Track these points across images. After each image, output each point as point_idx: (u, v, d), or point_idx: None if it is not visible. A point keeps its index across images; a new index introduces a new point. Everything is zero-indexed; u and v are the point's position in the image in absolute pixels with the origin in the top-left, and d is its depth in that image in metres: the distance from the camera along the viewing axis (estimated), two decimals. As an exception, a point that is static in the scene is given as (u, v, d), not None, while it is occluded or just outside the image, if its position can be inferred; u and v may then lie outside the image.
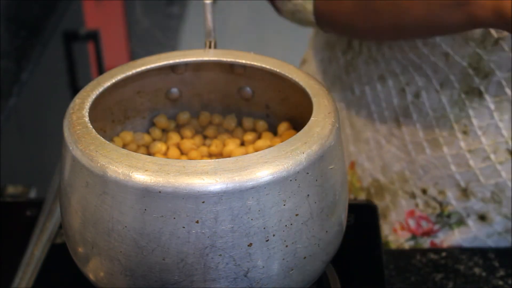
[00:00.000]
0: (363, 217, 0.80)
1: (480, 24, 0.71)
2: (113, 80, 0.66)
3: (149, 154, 0.71)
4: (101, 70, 1.67)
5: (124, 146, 0.71)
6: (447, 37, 0.80)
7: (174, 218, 0.56)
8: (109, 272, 0.60)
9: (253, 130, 0.73)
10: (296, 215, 0.59)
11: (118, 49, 2.21)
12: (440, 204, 0.87)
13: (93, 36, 1.59)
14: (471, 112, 0.82)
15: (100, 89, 0.65)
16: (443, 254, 0.82)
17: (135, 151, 0.70)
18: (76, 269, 0.64)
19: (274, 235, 0.58)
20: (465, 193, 0.85)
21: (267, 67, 0.69)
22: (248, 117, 0.74)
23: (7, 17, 1.39)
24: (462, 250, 0.83)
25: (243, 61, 0.70)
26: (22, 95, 1.21)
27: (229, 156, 0.69)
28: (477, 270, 0.80)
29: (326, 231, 0.61)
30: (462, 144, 0.83)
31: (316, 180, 0.59)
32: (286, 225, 0.58)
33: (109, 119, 0.71)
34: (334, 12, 0.79)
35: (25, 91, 1.23)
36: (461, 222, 0.86)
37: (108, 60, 1.74)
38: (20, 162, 1.29)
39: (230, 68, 0.71)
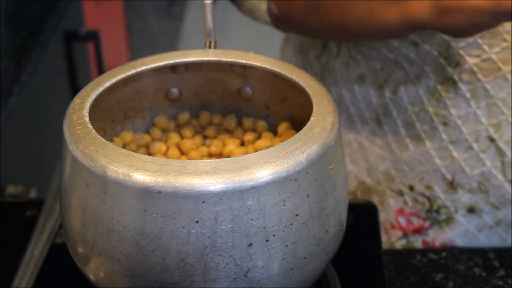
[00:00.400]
0: (363, 217, 0.80)
1: (417, 24, 0.72)
2: (113, 80, 0.66)
3: (149, 154, 0.71)
4: (101, 70, 1.67)
5: (124, 146, 0.71)
6: None
7: (174, 218, 0.56)
8: (109, 272, 0.60)
9: (253, 130, 0.73)
10: (296, 215, 0.59)
11: (118, 49, 2.21)
12: (428, 199, 0.87)
13: (93, 36, 1.59)
14: (448, 103, 0.83)
15: (100, 89, 0.65)
16: (443, 254, 0.82)
17: (135, 151, 0.70)
18: (76, 269, 0.64)
19: (274, 235, 0.58)
20: (452, 185, 0.85)
21: (267, 67, 0.69)
22: (248, 117, 0.74)
23: (7, 17, 1.39)
24: (462, 250, 0.83)
25: (243, 61, 0.70)
26: (22, 95, 1.21)
27: (229, 156, 0.69)
28: (477, 270, 0.80)
29: (326, 231, 0.61)
30: (444, 136, 0.84)
31: (316, 180, 0.59)
32: (286, 225, 0.58)
33: (109, 119, 0.71)
34: (286, 12, 0.81)
35: (25, 91, 1.23)
36: (450, 218, 0.86)
37: (108, 60, 1.74)
38: (20, 162, 1.29)
39: (230, 68, 0.71)
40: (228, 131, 0.74)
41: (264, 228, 0.57)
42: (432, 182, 0.86)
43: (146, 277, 0.58)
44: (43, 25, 1.37)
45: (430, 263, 0.81)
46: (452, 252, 0.82)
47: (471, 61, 0.80)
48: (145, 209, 0.56)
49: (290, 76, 0.67)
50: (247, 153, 0.70)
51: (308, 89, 0.65)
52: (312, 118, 0.61)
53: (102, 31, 1.64)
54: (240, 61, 0.70)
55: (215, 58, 0.70)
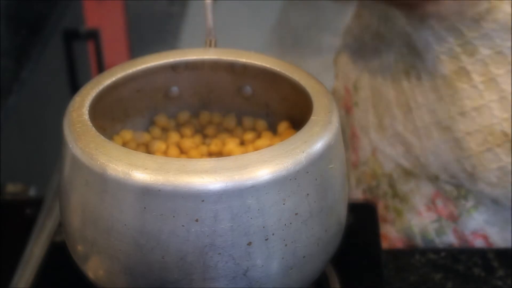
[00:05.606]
0: (363, 217, 0.80)
1: None
2: (113, 79, 0.66)
3: (149, 152, 0.71)
4: (101, 69, 1.67)
5: (124, 144, 0.71)
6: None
7: (174, 216, 0.56)
8: (108, 270, 0.60)
9: (253, 129, 0.73)
10: (296, 214, 0.59)
11: (118, 48, 2.21)
12: (456, 186, 0.87)
13: (93, 35, 1.59)
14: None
15: (100, 88, 0.65)
16: (442, 254, 0.82)
17: (135, 149, 0.70)
18: (76, 267, 0.64)
19: (273, 234, 0.58)
20: (472, 177, 0.85)
21: (268, 66, 0.69)
22: (248, 116, 0.74)
23: (7, 16, 1.39)
24: (461, 250, 0.83)
25: (244, 60, 0.70)
26: (22, 94, 1.21)
27: (229, 155, 0.69)
28: (476, 270, 0.80)
29: (326, 230, 0.62)
30: (461, 126, 0.84)
31: (316, 179, 0.59)
32: (285, 224, 0.58)
33: (109, 117, 0.71)
34: None
35: (25, 89, 1.23)
36: (477, 204, 0.87)
37: (108, 58, 1.74)
38: (19, 160, 1.29)
39: (230, 67, 0.71)
40: (228, 130, 0.74)
41: (263, 227, 0.57)
42: (455, 171, 0.86)
43: (145, 275, 0.58)
44: (43, 23, 1.37)
45: (430, 263, 0.81)
46: (451, 252, 0.82)
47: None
48: (145, 208, 0.56)
49: (290, 75, 0.67)
50: (246, 152, 0.70)
51: (308, 88, 0.65)
52: (312, 117, 0.61)
53: (102, 29, 1.64)
54: (241, 60, 0.70)
55: (215, 57, 0.70)
